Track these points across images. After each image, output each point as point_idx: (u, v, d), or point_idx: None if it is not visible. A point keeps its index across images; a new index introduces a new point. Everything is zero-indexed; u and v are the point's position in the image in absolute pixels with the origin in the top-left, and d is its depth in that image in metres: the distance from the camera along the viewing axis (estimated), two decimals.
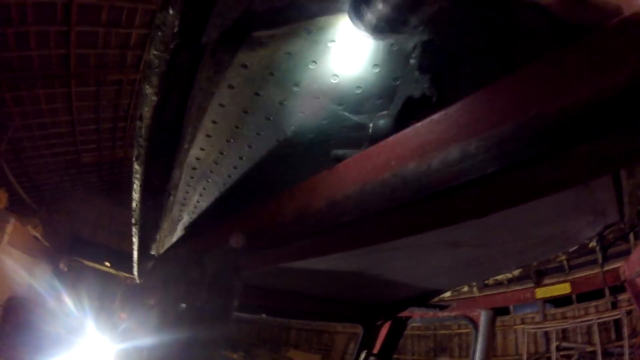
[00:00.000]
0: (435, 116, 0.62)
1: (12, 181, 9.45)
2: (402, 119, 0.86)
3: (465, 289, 2.37)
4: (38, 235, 10.73)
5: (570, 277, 8.57)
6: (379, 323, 2.65)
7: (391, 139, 0.69)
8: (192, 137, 0.93)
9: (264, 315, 2.30)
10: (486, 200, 0.65)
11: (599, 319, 8.90)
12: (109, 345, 6.83)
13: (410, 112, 0.86)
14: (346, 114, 0.92)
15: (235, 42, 0.75)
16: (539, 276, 8.80)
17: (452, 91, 0.79)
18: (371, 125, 0.90)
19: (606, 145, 0.51)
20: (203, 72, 0.81)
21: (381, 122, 0.90)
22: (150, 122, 0.87)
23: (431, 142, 0.61)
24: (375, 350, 2.63)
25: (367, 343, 2.63)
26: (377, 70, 0.87)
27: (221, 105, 0.87)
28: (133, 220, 1.44)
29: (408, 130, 0.66)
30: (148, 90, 0.78)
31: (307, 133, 0.94)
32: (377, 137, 0.80)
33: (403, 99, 0.87)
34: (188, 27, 0.69)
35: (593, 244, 1.61)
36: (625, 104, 0.44)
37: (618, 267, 2.58)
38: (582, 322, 9.31)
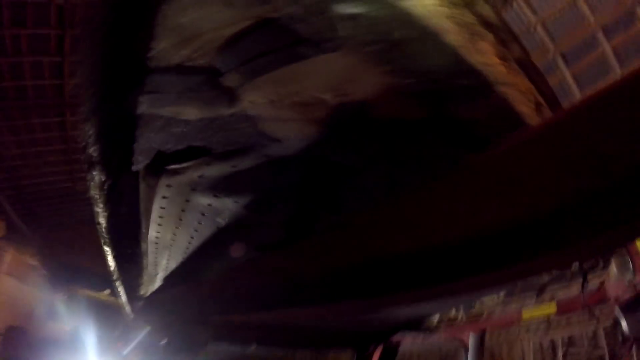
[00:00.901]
0: None
1: (8, 210, 9.54)
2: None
3: (453, 312, 2.44)
4: (36, 264, 10.79)
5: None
6: (371, 349, 2.69)
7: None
8: (147, 226, 1.08)
9: (254, 347, 2.36)
10: None
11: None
12: None
13: None
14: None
15: (157, 171, 0.86)
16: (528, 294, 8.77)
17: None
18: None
19: None
20: (141, 188, 0.94)
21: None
22: (107, 225, 1.03)
23: None
24: None
25: None
26: None
27: (162, 207, 1.01)
28: (114, 277, 1.57)
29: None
30: (99, 208, 0.92)
31: (232, 226, 1.08)
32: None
33: None
34: (118, 160, 0.81)
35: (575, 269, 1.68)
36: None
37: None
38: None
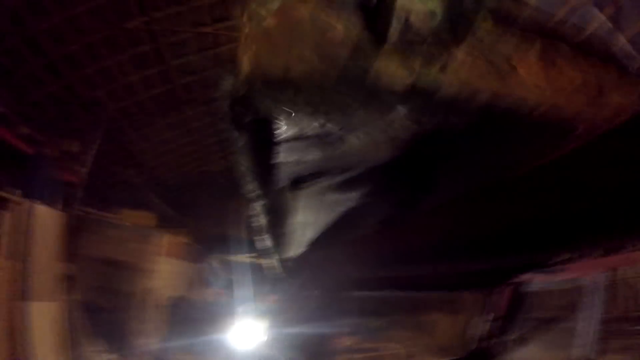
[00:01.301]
0: None
1: (156, 203, 11.17)
2: None
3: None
4: (188, 241, 12.55)
5: None
6: (497, 290, 2.84)
7: None
8: (295, 214, 1.49)
9: (391, 292, 2.73)
10: None
11: None
12: (263, 326, 7.68)
13: None
14: None
15: (296, 187, 1.24)
16: None
17: None
18: None
19: None
20: (288, 196, 1.33)
21: None
22: (266, 222, 1.46)
23: None
24: (495, 315, 2.87)
25: (490, 308, 2.88)
26: None
27: (305, 204, 1.40)
28: (271, 250, 2.06)
29: None
30: (260, 218, 1.33)
31: (357, 209, 1.42)
32: None
33: None
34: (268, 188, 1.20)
35: None
36: None
37: None
38: None
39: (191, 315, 10.78)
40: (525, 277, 2.72)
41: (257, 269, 13.66)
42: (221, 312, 10.88)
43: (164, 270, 10.51)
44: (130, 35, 7.63)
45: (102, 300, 8.53)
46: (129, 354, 7.86)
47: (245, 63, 0.62)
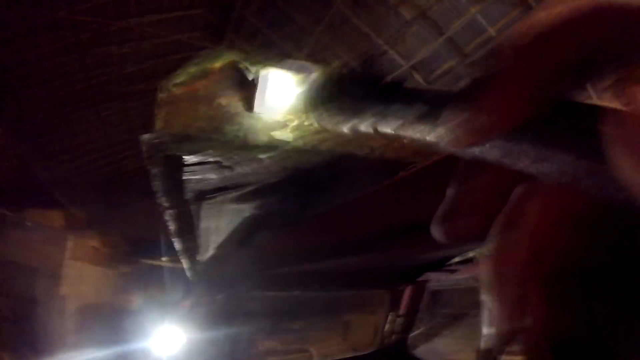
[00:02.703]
0: None
1: (63, 201, 10.78)
2: None
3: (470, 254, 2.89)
4: (97, 245, 12.18)
5: None
6: (401, 288, 3.09)
7: None
8: (199, 222, 1.83)
9: (298, 292, 3.01)
10: None
11: None
12: (179, 332, 7.72)
13: None
14: None
15: (199, 200, 1.59)
16: None
17: None
18: None
19: None
20: (192, 208, 1.68)
21: None
22: (175, 229, 1.78)
23: None
24: (401, 312, 3.11)
25: (393, 305, 3.14)
26: None
27: (207, 213, 1.75)
28: (180, 253, 2.36)
29: None
30: (171, 224, 1.66)
31: (254, 217, 1.81)
32: None
33: None
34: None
35: None
36: None
37: None
38: None
39: (106, 323, 10.48)
40: (426, 276, 3.11)
41: (174, 274, 13.58)
42: (138, 319, 10.69)
43: (74, 275, 10.16)
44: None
45: (5, 309, 8.11)
46: None
47: (159, 121, 0.92)
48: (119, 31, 8.78)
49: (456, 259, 2.95)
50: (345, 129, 0.37)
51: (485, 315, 0.28)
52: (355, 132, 0.42)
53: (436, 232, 0.35)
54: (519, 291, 0.28)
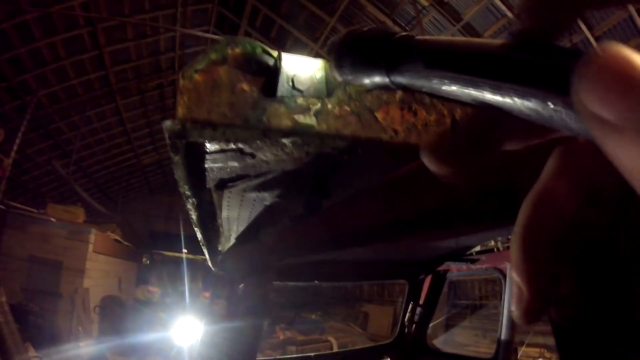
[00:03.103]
0: None
1: (84, 197, 10.99)
2: None
3: (492, 243, 2.90)
4: (118, 238, 12.42)
5: None
6: (421, 278, 3.05)
7: None
8: (220, 211, 1.82)
9: (316, 282, 3.03)
10: None
11: None
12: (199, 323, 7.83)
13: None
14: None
15: (221, 188, 1.59)
16: None
17: None
18: None
19: None
20: (214, 196, 1.68)
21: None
22: (196, 218, 1.77)
23: None
24: (421, 302, 3.12)
25: (413, 295, 3.12)
26: None
27: (228, 202, 1.74)
28: (201, 243, 2.37)
29: None
30: (192, 213, 1.66)
31: (272, 206, 1.80)
32: None
33: None
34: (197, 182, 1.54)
35: None
36: None
37: None
38: None
39: (124, 316, 10.71)
40: (446, 266, 3.08)
41: (192, 266, 13.83)
42: (156, 311, 10.90)
43: (94, 268, 10.40)
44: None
45: (29, 302, 8.34)
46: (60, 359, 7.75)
47: (180, 108, 0.92)
48: (134, 27, 8.88)
49: (476, 249, 2.92)
50: (367, 81, 0.36)
51: (514, 292, 0.28)
52: (374, 85, 0.41)
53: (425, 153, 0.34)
54: (549, 268, 0.28)
